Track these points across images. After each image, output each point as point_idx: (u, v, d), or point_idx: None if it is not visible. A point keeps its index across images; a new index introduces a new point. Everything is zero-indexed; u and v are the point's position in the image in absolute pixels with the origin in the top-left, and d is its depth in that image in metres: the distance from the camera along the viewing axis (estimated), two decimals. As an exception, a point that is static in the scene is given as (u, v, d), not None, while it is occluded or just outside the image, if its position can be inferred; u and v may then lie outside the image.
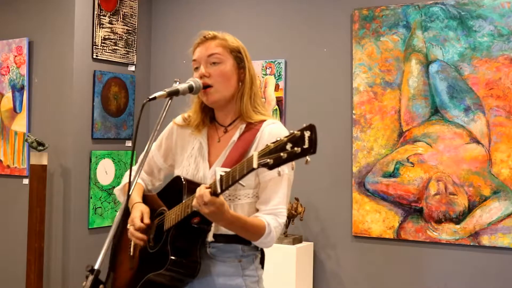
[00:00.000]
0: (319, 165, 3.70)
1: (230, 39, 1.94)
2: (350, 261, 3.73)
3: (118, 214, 1.64)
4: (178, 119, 2.05)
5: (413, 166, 3.52)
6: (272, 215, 1.81)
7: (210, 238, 1.83)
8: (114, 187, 4.15)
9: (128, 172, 2.14)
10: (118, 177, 4.18)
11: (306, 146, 1.40)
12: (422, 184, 3.49)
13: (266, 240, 1.79)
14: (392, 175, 3.57)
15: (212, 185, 1.63)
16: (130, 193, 1.65)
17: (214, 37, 1.93)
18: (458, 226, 3.40)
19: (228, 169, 1.60)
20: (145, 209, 1.92)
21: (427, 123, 3.51)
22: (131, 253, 1.98)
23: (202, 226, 1.78)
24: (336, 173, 3.74)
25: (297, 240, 3.67)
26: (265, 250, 1.96)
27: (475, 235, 3.36)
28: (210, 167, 1.90)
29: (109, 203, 4.12)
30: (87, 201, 3.99)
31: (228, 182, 1.58)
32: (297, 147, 1.41)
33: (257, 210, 1.85)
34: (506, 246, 3.29)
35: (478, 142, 3.37)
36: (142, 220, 1.87)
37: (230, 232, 1.82)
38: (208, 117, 1.99)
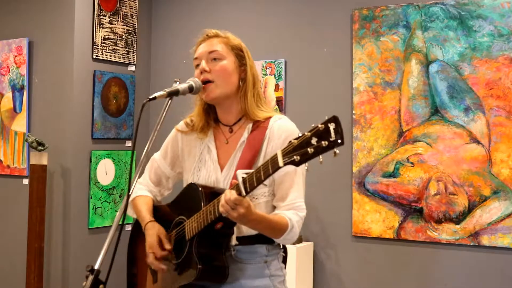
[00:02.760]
0: (319, 165, 3.69)
1: (232, 37, 1.94)
2: (350, 261, 3.73)
3: (118, 215, 1.64)
4: (181, 125, 2.04)
5: (413, 166, 3.52)
6: (292, 210, 1.80)
7: (233, 241, 1.82)
8: (114, 187, 4.15)
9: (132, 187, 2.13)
10: (118, 177, 4.18)
11: (332, 138, 1.41)
12: (422, 184, 3.49)
13: (289, 236, 1.78)
14: (392, 175, 3.57)
15: (235, 188, 1.61)
16: (130, 192, 1.64)
17: (216, 35, 1.93)
18: (458, 226, 3.40)
19: (249, 171, 1.59)
20: (161, 231, 1.88)
21: (427, 123, 3.51)
22: (152, 267, 1.96)
23: (225, 231, 1.76)
24: (336, 173, 3.74)
25: (297, 240, 3.66)
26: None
27: (475, 235, 3.36)
28: (221, 170, 1.88)
29: (109, 203, 4.12)
30: (87, 201, 3.99)
31: (253, 183, 1.57)
32: (324, 141, 1.42)
33: (274, 208, 1.84)
34: (506, 246, 3.28)
35: (478, 142, 3.37)
36: (162, 246, 1.85)
37: (253, 233, 1.81)
38: (212, 118, 1.97)
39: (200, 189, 1.82)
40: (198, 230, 1.76)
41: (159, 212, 1.97)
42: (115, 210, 4.16)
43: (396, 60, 3.59)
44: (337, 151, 1.43)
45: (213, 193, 1.78)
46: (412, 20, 3.56)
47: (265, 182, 1.58)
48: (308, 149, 1.43)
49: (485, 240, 3.33)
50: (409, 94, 3.55)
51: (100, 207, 4.06)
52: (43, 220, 3.80)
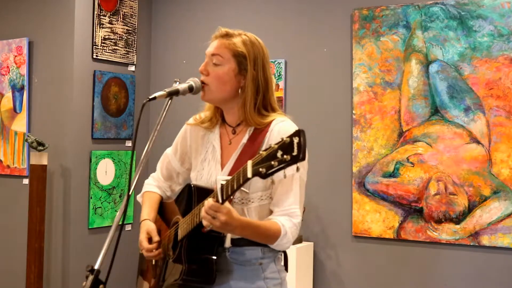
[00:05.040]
0: (319, 165, 3.70)
1: (239, 42, 1.86)
2: (350, 261, 3.73)
3: (118, 215, 1.64)
4: (190, 120, 2.05)
5: (413, 166, 3.52)
6: (286, 216, 1.78)
7: (228, 243, 1.80)
8: (114, 187, 4.15)
9: (148, 180, 2.14)
10: (118, 177, 4.18)
11: (295, 153, 1.37)
12: (422, 184, 3.49)
13: (282, 242, 1.76)
14: (392, 175, 3.57)
15: (216, 195, 1.61)
16: (130, 192, 1.64)
17: (225, 36, 1.87)
18: (458, 226, 3.40)
19: (227, 177, 1.58)
20: (150, 227, 1.92)
21: (427, 123, 3.51)
22: (153, 263, 2.02)
23: (214, 234, 1.76)
24: (336, 173, 3.74)
25: (297, 240, 3.67)
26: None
27: (475, 235, 3.36)
28: (222, 170, 1.88)
29: (109, 203, 4.12)
30: (87, 201, 3.99)
31: (228, 191, 1.56)
32: (287, 155, 1.38)
33: (271, 212, 1.83)
34: (506, 246, 3.28)
35: (478, 142, 3.37)
36: (150, 240, 1.89)
37: None
38: (220, 114, 1.96)
39: (193, 189, 1.83)
40: (187, 232, 1.77)
41: (165, 209, 2.01)
42: (115, 210, 4.16)
43: (396, 60, 3.60)
44: (299, 167, 1.40)
45: (206, 194, 1.76)
46: (412, 20, 3.56)
47: (245, 190, 1.57)
48: (273, 162, 1.40)
49: (485, 240, 3.33)
50: (409, 94, 3.55)
51: (100, 207, 4.06)
52: (43, 220, 3.80)
